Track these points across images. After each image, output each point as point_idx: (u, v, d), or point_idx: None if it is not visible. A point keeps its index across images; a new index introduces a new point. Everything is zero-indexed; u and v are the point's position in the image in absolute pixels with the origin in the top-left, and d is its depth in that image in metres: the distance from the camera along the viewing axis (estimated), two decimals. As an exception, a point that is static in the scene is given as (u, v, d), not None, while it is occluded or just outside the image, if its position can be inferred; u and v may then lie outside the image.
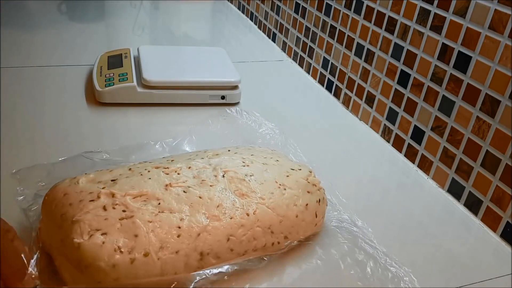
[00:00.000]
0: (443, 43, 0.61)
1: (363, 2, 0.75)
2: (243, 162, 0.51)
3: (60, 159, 0.58)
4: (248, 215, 0.46)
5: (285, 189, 0.49)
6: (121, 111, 0.72)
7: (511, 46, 0.53)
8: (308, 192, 0.51)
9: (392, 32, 0.70)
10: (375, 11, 0.73)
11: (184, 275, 0.43)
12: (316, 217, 0.50)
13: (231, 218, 0.45)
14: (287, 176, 0.51)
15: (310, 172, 0.53)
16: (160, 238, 0.42)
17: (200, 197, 0.45)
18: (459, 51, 0.59)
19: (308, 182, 0.51)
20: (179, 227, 0.43)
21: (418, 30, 0.65)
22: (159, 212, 0.43)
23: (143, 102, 0.74)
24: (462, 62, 0.59)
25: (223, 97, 0.77)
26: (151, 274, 0.41)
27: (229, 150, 0.55)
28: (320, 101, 0.85)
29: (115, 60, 0.80)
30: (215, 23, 1.23)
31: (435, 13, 0.62)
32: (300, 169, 0.53)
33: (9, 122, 0.66)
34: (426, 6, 0.63)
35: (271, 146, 0.63)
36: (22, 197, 0.50)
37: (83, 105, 0.73)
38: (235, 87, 0.78)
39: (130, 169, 0.49)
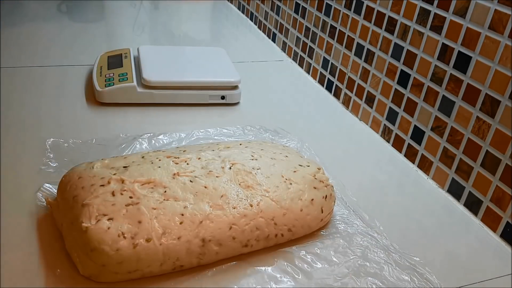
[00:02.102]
0: (443, 43, 0.61)
1: (363, 2, 0.75)
2: (252, 156, 0.53)
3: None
4: (251, 206, 0.47)
5: (290, 183, 0.51)
6: (121, 111, 0.72)
7: (511, 46, 0.53)
8: (315, 188, 0.52)
9: (392, 32, 0.70)
10: (375, 11, 0.73)
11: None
12: (322, 212, 0.51)
13: (234, 208, 0.47)
14: (294, 171, 0.52)
15: (319, 169, 0.54)
16: (163, 224, 0.44)
17: (205, 187, 0.47)
18: (459, 51, 0.59)
19: (315, 178, 0.53)
20: (182, 215, 0.45)
21: (418, 30, 0.65)
22: (164, 199, 0.45)
23: (143, 102, 0.74)
24: (462, 62, 0.59)
25: (223, 97, 0.77)
26: (153, 259, 0.43)
27: (240, 144, 0.57)
28: (320, 101, 0.85)
29: (115, 60, 0.80)
30: (215, 23, 1.23)
31: (435, 13, 0.62)
32: (308, 166, 0.54)
33: (9, 123, 0.66)
34: (426, 6, 0.63)
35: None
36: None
37: (83, 105, 0.73)
38: (235, 87, 0.78)
39: (143, 157, 0.51)
